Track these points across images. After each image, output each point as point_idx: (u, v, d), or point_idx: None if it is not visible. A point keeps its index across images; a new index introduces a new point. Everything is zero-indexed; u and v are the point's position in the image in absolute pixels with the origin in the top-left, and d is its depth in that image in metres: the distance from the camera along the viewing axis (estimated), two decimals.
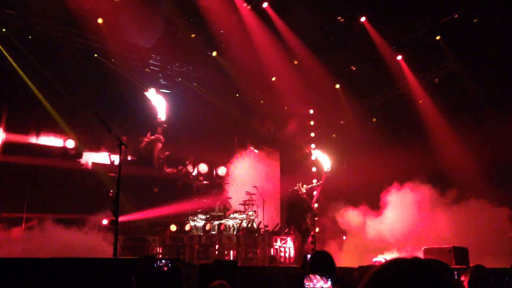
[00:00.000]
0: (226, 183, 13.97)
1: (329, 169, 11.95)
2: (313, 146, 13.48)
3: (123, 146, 7.28)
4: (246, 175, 16.05)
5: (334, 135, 16.92)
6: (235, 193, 14.50)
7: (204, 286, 4.60)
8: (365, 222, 12.81)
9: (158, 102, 13.39)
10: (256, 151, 16.69)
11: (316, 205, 11.56)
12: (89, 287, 4.67)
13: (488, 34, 12.53)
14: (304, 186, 11.70)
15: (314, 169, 13.46)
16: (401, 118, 15.46)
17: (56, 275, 5.14)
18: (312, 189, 11.75)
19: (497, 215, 11.59)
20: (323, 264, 3.69)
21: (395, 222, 12.33)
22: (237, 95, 15.81)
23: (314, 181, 12.35)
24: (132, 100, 13.57)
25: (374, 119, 16.20)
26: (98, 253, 8.06)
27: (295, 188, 11.83)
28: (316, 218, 10.93)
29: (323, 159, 12.16)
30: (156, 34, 13.98)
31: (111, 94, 13.03)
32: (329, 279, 2.91)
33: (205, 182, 15.23)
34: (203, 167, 15.07)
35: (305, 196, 11.63)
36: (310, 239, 11.17)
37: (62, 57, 12.53)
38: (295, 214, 11.69)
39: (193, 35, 13.78)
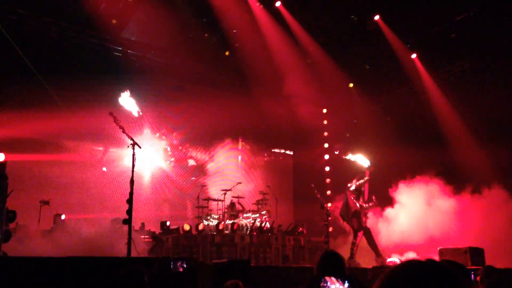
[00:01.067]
0: (239, 183, 13.96)
1: (370, 165, 12.02)
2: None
3: (136, 146, 7.30)
4: (259, 175, 16.04)
5: (348, 135, 16.83)
6: (249, 192, 14.51)
7: (218, 285, 4.60)
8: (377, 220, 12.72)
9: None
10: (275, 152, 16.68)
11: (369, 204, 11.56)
12: (102, 286, 4.70)
13: (502, 32, 12.40)
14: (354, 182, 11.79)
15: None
16: (415, 117, 15.29)
17: (69, 274, 5.18)
18: (360, 186, 11.82)
19: None
20: (332, 264, 3.67)
21: (407, 221, 12.23)
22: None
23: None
24: None
25: (388, 119, 16.08)
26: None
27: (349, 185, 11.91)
28: (329, 218, 10.86)
29: (359, 158, 12.22)
30: (169, 33, 14.01)
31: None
32: (346, 282, 2.88)
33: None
34: None
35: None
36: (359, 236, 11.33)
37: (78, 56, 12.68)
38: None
39: (206, 35, 13.84)
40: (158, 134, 14.78)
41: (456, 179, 12.49)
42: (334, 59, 14.17)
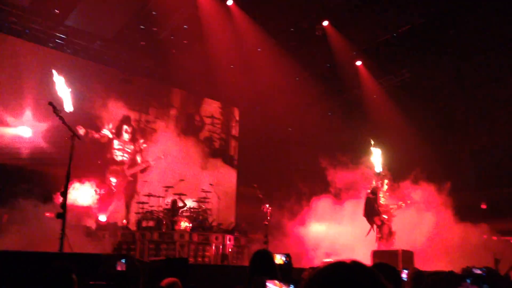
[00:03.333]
0: (182, 180, 13.79)
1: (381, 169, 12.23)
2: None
3: (76, 138, 7.02)
4: (202, 173, 15.96)
5: (289, 129, 17.04)
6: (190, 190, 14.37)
7: (155, 283, 4.52)
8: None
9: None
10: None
11: None
12: (29, 282, 4.49)
13: (444, 44, 13.12)
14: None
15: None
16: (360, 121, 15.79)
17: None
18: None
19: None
20: (263, 263, 3.74)
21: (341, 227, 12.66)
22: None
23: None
24: None
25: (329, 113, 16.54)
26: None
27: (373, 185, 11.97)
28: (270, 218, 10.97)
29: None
30: (118, 24, 13.59)
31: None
32: (291, 285, 2.92)
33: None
34: None
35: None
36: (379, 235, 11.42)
37: None
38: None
39: (155, 29, 13.54)
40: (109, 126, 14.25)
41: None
42: (281, 63, 14.28)
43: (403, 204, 11.70)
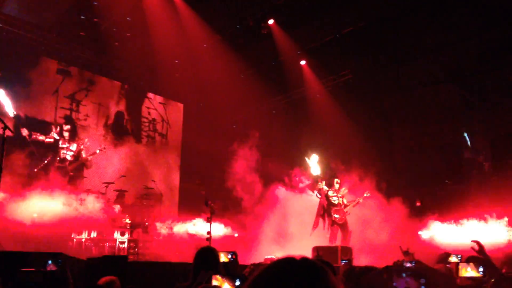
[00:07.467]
0: (123, 176, 13.44)
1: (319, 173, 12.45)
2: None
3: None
4: (144, 169, 15.61)
5: (234, 126, 17.07)
6: (131, 187, 14.05)
7: (92, 282, 4.39)
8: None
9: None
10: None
11: None
12: None
13: (383, 47, 13.63)
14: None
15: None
16: (304, 120, 16.06)
17: None
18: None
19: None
20: (207, 259, 3.76)
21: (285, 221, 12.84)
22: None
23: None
24: None
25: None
26: None
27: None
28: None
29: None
30: (57, 13, 12.96)
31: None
32: (237, 279, 2.92)
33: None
34: None
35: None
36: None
37: None
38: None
39: (96, 20, 13.05)
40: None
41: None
42: (226, 60, 14.24)
43: (361, 200, 12.05)
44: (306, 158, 12.66)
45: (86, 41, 13.95)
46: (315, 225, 11.86)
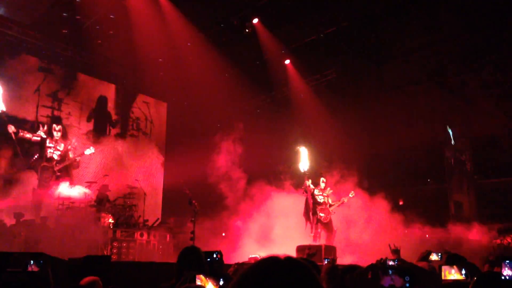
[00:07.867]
0: (106, 175, 13.29)
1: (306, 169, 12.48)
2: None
3: None
4: (128, 168, 15.48)
5: (218, 125, 17.02)
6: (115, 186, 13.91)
7: (74, 283, 4.34)
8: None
9: None
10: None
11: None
12: None
13: (366, 46, 13.75)
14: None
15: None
16: (288, 119, 16.09)
17: None
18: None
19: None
20: (191, 259, 3.74)
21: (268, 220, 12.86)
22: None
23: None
24: None
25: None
26: None
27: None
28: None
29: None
30: (38, 10, 12.76)
31: None
32: (221, 279, 2.92)
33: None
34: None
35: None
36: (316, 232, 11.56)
37: None
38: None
39: (78, 17, 12.88)
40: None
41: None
42: (211, 59, 14.19)
43: (345, 200, 12.12)
44: (299, 148, 12.71)
45: (68, 39, 13.78)
46: (308, 221, 11.96)
